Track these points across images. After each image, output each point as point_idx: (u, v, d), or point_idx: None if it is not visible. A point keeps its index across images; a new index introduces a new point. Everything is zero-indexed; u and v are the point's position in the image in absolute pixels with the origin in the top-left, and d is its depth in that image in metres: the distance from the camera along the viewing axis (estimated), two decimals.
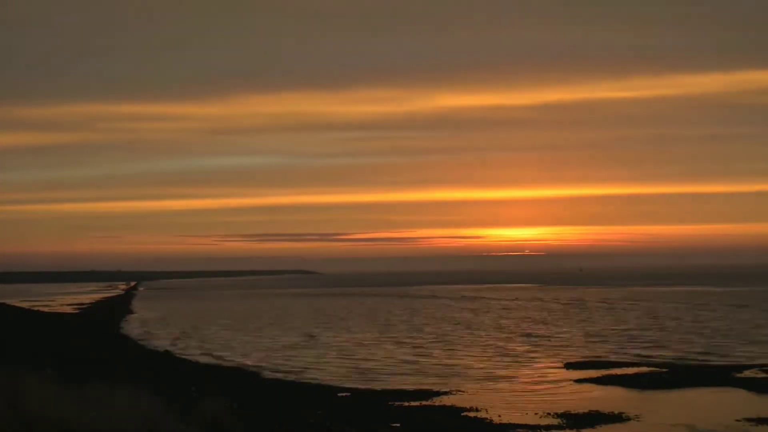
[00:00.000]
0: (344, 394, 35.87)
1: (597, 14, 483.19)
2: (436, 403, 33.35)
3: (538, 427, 28.29)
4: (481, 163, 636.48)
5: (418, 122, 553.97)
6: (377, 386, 38.86)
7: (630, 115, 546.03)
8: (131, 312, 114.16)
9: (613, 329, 70.27)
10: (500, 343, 59.64)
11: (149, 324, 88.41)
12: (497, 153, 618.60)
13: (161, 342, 65.60)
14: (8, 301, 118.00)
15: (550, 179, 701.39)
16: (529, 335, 66.01)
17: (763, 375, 39.75)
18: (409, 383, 39.67)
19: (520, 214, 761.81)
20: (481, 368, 45.53)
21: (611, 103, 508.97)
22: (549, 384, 39.28)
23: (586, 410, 31.14)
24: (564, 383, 39.16)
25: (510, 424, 28.95)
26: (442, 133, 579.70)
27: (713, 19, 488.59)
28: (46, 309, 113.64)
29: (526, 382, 39.95)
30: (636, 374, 41.02)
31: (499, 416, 30.30)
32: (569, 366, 45.24)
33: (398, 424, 27.81)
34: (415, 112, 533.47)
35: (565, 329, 71.36)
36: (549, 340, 61.13)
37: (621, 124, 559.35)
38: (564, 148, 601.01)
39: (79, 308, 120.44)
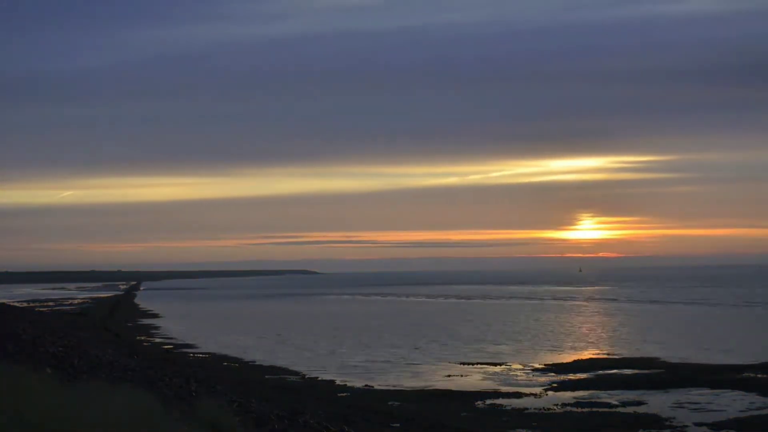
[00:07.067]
0: (344, 394, 35.86)
1: None
2: (438, 403, 33.34)
3: (542, 427, 28.29)
4: None
5: None
6: (380, 385, 38.90)
7: None
8: (134, 310, 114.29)
9: None
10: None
11: (152, 322, 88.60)
12: None
13: (161, 339, 65.78)
14: (8, 301, 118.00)
15: None
16: None
17: (762, 375, 39.69)
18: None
19: None
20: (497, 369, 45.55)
21: None
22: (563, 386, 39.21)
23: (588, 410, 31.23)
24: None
25: (515, 422, 28.95)
26: None
27: None
28: (45, 309, 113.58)
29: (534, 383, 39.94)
30: None
31: (505, 416, 30.28)
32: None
33: (398, 424, 27.81)
34: None
35: None
36: None
37: None
38: None
39: (79, 307, 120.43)
